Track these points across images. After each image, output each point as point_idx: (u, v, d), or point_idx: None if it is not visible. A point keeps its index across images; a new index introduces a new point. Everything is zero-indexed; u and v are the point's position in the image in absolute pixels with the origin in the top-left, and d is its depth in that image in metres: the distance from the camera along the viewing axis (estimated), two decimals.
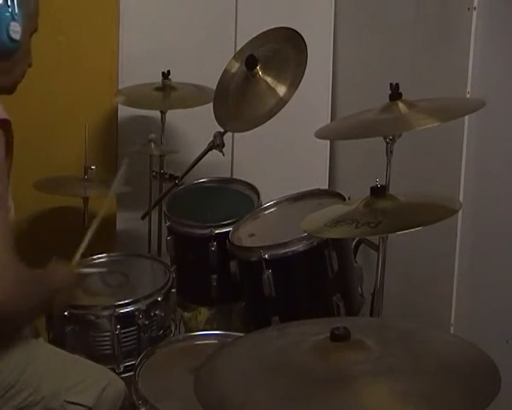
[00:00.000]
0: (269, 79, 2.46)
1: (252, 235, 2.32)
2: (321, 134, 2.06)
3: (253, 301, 2.29)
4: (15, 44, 1.77)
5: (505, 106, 2.18)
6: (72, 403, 1.87)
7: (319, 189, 2.50)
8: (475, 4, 2.24)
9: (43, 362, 1.88)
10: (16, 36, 1.76)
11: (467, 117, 2.29)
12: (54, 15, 2.80)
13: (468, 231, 2.37)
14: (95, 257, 2.46)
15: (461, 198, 2.33)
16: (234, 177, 2.96)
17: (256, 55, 2.45)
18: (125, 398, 1.93)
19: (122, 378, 2.02)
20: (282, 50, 2.47)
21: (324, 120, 3.03)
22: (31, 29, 1.85)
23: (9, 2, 1.75)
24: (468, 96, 2.29)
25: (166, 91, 2.79)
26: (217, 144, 2.57)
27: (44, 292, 1.77)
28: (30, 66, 1.88)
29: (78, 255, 2.02)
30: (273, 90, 2.44)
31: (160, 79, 2.78)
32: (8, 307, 1.58)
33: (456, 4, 2.33)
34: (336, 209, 1.93)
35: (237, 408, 1.25)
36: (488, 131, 2.28)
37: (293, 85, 2.41)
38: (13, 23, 1.75)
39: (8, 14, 1.74)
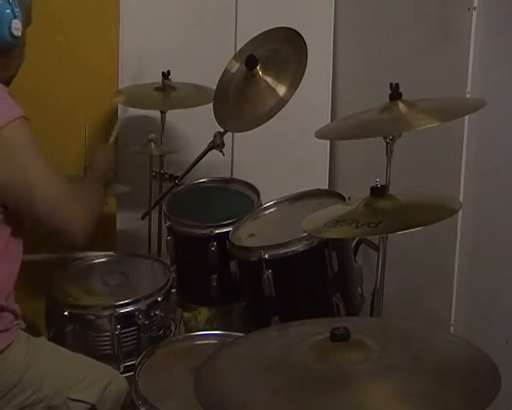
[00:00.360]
0: (269, 79, 2.46)
1: (252, 235, 2.32)
2: (321, 134, 2.06)
3: (253, 301, 2.29)
4: (16, 41, 1.80)
5: (505, 106, 2.18)
6: (75, 400, 1.88)
7: (319, 189, 2.50)
8: (475, 4, 2.24)
9: (45, 361, 1.89)
10: (18, 33, 1.79)
11: (467, 117, 2.29)
12: (54, 15, 2.80)
13: (468, 231, 2.37)
14: (95, 257, 2.46)
15: (461, 198, 2.33)
16: (234, 177, 2.96)
17: (256, 55, 2.44)
18: (127, 396, 1.94)
19: None
20: (282, 50, 2.47)
21: (324, 120, 3.03)
22: (26, 23, 1.88)
23: (10, 0, 1.77)
24: (468, 96, 2.29)
25: (166, 91, 2.78)
26: (217, 144, 2.57)
27: (99, 186, 2.12)
28: (23, 59, 1.92)
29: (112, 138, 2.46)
30: (273, 90, 2.44)
31: (160, 79, 2.78)
32: (89, 226, 1.96)
33: (456, 4, 2.33)
34: (336, 209, 1.93)
35: (237, 408, 1.25)
36: (488, 131, 2.28)
37: (293, 85, 2.41)
38: (14, 21, 1.78)
39: (9, 11, 1.77)
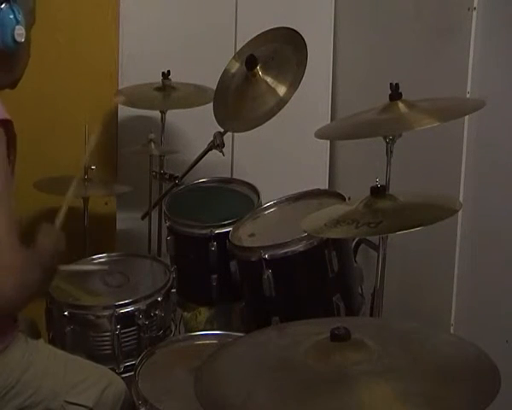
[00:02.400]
0: (269, 79, 2.46)
1: (252, 235, 2.32)
2: (321, 134, 2.06)
3: (253, 301, 2.29)
4: (19, 46, 1.81)
5: (505, 106, 2.18)
6: (73, 404, 1.87)
7: (319, 189, 2.50)
8: (475, 4, 2.24)
9: (43, 363, 1.88)
10: (21, 39, 1.80)
11: (467, 117, 2.29)
12: (54, 15, 2.80)
13: (468, 231, 2.37)
14: (95, 257, 2.46)
15: (461, 198, 2.33)
16: (234, 177, 2.96)
17: (256, 55, 2.44)
18: (126, 398, 1.93)
19: (122, 378, 2.02)
20: (282, 50, 2.47)
21: (324, 120, 3.03)
22: (30, 24, 1.88)
23: (13, 6, 1.77)
24: (468, 96, 2.29)
25: (166, 91, 2.78)
26: (217, 144, 2.57)
27: (44, 265, 1.78)
28: (29, 58, 1.91)
29: (59, 219, 2.01)
30: (273, 90, 2.44)
31: (160, 79, 2.79)
32: (19, 298, 1.67)
33: (456, 4, 2.33)
34: (336, 209, 1.93)
35: (237, 408, 1.26)
36: (488, 131, 2.28)
37: (293, 85, 2.41)
38: (17, 27, 1.78)
39: (12, 16, 1.77)
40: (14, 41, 1.78)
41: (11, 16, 1.77)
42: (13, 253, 1.65)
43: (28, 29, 1.86)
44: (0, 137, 1.69)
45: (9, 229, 1.65)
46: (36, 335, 2.02)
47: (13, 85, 1.90)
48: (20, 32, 1.79)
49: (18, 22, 1.78)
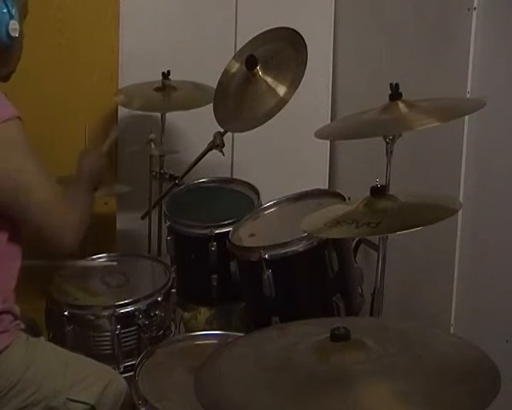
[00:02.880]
0: (269, 79, 2.46)
1: (252, 235, 2.32)
2: (321, 134, 2.06)
3: (253, 301, 2.29)
4: (13, 40, 1.81)
5: (505, 106, 2.18)
6: (74, 401, 1.88)
7: (319, 189, 2.50)
8: (475, 4, 2.24)
9: (44, 361, 1.89)
10: (15, 33, 1.79)
11: (467, 117, 2.29)
12: (54, 15, 2.80)
13: (468, 231, 2.37)
14: (95, 257, 2.46)
15: (461, 198, 2.33)
16: (234, 177, 2.96)
17: (256, 55, 2.44)
18: (127, 396, 1.94)
19: None
20: (282, 50, 2.47)
21: (324, 120, 3.03)
22: (23, 16, 1.89)
23: (6, 1, 1.77)
24: (468, 96, 2.29)
25: (166, 91, 2.78)
26: (217, 144, 2.57)
27: (88, 189, 2.05)
28: (21, 51, 1.94)
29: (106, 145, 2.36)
30: (273, 90, 2.44)
31: (160, 78, 2.79)
32: (79, 233, 1.90)
33: (456, 4, 2.33)
34: (336, 209, 1.93)
35: (237, 408, 1.26)
36: (488, 131, 2.28)
37: (293, 85, 2.41)
38: (11, 21, 1.78)
39: (5, 11, 1.77)
40: (9, 36, 1.78)
41: (5, 10, 1.77)
42: (65, 212, 1.87)
43: (21, 21, 1.86)
44: (21, 128, 1.79)
45: (57, 195, 1.87)
46: (36, 333, 2.02)
47: (6, 78, 1.91)
48: (14, 27, 1.79)
49: (12, 17, 1.78)
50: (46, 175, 1.86)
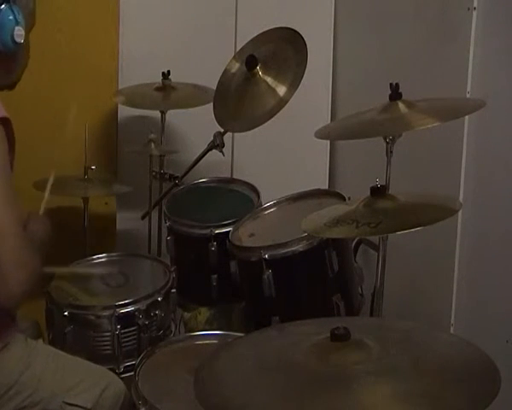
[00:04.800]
0: (269, 79, 2.46)
1: (252, 235, 2.32)
2: (321, 134, 2.06)
3: (253, 301, 2.29)
4: (19, 47, 1.81)
5: (505, 106, 2.18)
6: (71, 405, 1.87)
7: (319, 189, 2.50)
8: (475, 4, 2.24)
9: (42, 364, 1.88)
10: (20, 39, 1.80)
11: (467, 117, 2.29)
12: (54, 15, 2.81)
13: (468, 231, 2.37)
14: (95, 257, 2.46)
15: (461, 198, 2.33)
16: (234, 177, 2.96)
17: (256, 55, 2.45)
18: (125, 399, 1.93)
19: (122, 378, 2.02)
20: (282, 50, 2.47)
21: (324, 120, 3.03)
22: (30, 26, 1.88)
23: (12, 7, 1.77)
24: (468, 96, 2.29)
25: (166, 91, 2.79)
26: (217, 144, 2.57)
27: (40, 253, 1.75)
28: (28, 60, 1.92)
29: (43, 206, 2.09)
30: (273, 90, 2.44)
31: (160, 79, 2.79)
32: (25, 292, 1.64)
33: (456, 4, 2.33)
34: (336, 209, 1.93)
35: (237, 408, 1.25)
36: (488, 131, 2.28)
37: (293, 85, 2.41)
38: (17, 27, 1.78)
39: (11, 17, 1.77)
40: (14, 42, 1.78)
41: (10, 17, 1.77)
42: (23, 249, 1.64)
43: (28, 31, 1.86)
44: (0, 134, 1.69)
45: (17, 224, 1.65)
46: (37, 336, 2.02)
47: (11, 87, 1.90)
48: (19, 33, 1.79)
49: (18, 23, 1.78)
50: (11, 199, 1.65)
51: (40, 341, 1.99)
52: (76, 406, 1.87)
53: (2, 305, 1.67)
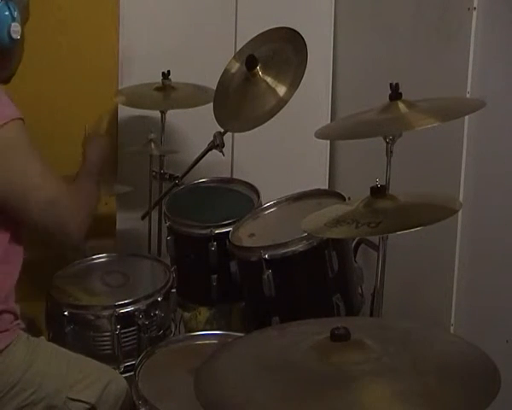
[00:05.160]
0: (269, 79, 2.46)
1: (252, 235, 2.32)
2: (321, 134, 2.06)
3: (253, 301, 2.29)
4: (15, 43, 1.81)
5: (505, 106, 2.18)
6: (75, 400, 1.88)
7: (319, 189, 2.50)
8: (475, 4, 2.24)
9: (45, 361, 1.89)
10: (16, 35, 1.80)
11: (467, 117, 2.29)
12: (54, 15, 2.80)
13: (468, 231, 2.37)
14: (95, 257, 2.46)
15: (461, 198, 2.33)
16: (234, 177, 2.96)
17: (256, 55, 2.44)
18: (127, 396, 1.94)
19: None
20: (282, 50, 2.47)
21: (324, 120, 3.03)
22: (25, 20, 1.89)
23: (8, 3, 1.77)
24: (468, 96, 2.29)
25: (166, 91, 2.78)
26: (217, 144, 2.57)
27: (93, 181, 2.08)
28: (23, 54, 1.94)
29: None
30: (273, 90, 2.44)
31: (160, 79, 2.78)
32: (85, 225, 1.94)
33: (456, 4, 2.33)
34: (336, 209, 1.93)
35: (237, 408, 1.25)
36: (488, 131, 2.28)
37: (293, 85, 2.41)
38: (13, 24, 1.78)
39: (7, 13, 1.77)
40: (10, 38, 1.79)
41: (6, 13, 1.78)
42: (73, 201, 1.91)
43: (23, 24, 1.87)
44: (25, 129, 1.80)
45: (62, 185, 1.89)
46: (37, 333, 2.03)
47: (6, 81, 1.91)
48: (15, 29, 1.80)
49: (14, 19, 1.79)
50: (49, 174, 1.86)
51: (42, 338, 1.99)
52: (80, 401, 1.88)
53: (71, 244, 2.03)
